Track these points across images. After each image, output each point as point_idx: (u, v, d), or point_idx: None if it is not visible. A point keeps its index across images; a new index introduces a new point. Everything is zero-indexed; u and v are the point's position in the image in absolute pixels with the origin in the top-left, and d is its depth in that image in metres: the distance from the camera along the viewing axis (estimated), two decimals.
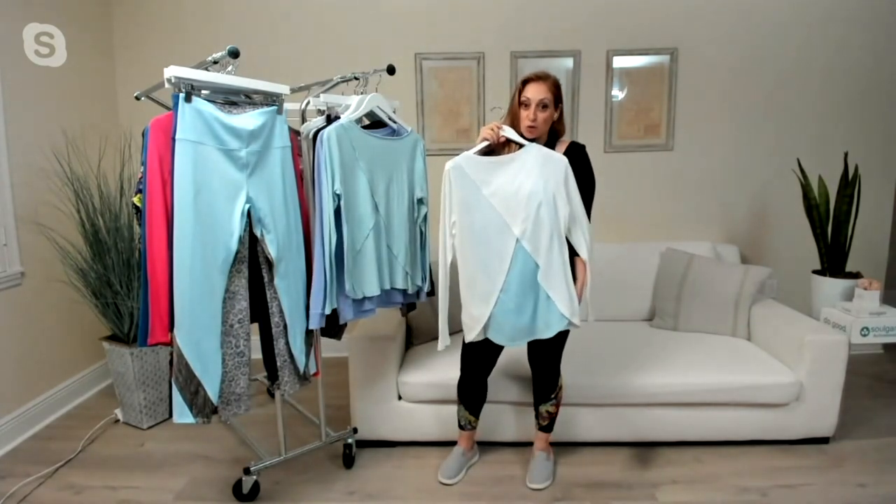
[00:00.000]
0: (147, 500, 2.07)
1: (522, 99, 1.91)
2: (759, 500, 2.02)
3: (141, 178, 1.76)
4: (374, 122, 2.11)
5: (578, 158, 1.94)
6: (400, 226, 2.08)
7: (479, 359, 2.07)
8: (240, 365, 1.82)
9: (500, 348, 2.07)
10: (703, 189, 3.30)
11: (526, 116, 1.90)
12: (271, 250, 1.83)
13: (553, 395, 2.09)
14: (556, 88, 1.92)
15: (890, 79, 3.19)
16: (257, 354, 1.99)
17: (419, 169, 2.15)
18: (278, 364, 1.92)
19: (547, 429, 2.16)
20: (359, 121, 2.01)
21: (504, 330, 1.86)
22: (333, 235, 1.86)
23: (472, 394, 2.13)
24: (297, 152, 1.98)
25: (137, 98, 2.14)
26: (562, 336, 2.01)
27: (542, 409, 2.11)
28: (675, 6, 3.13)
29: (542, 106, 1.88)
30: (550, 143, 1.98)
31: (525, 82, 1.92)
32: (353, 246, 1.93)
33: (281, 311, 1.89)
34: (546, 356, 2.04)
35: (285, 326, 1.90)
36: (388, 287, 2.07)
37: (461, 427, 2.19)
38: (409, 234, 2.11)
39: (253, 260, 1.85)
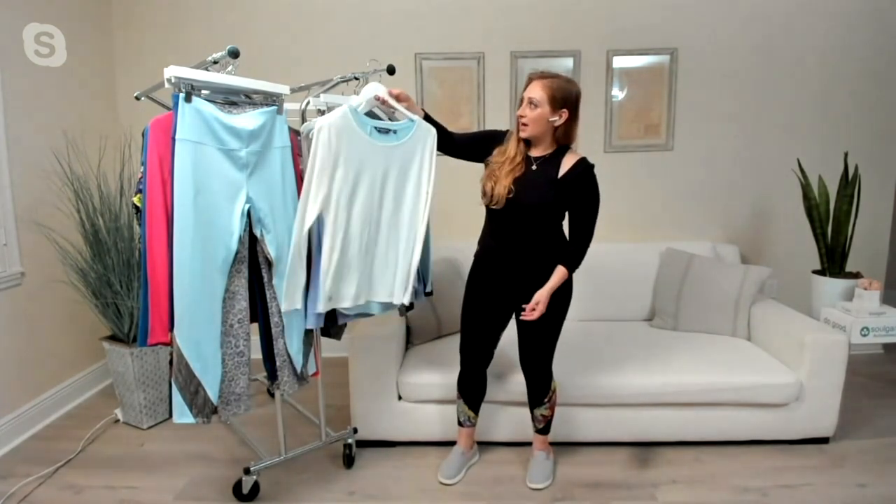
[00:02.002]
0: (147, 499, 2.07)
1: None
2: (759, 500, 2.02)
3: (141, 177, 1.76)
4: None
5: (584, 179, 1.87)
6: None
7: (477, 350, 2.09)
8: (239, 365, 1.82)
9: (496, 338, 2.11)
10: (703, 189, 3.30)
11: (519, 112, 1.90)
12: (271, 250, 1.83)
13: (546, 400, 2.09)
14: (553, 90, 1.82)
15: (890, 79, 3.19)
16: (257, 354, 1.99)
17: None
18: (278, 364, 1.92)
19: (543, 431, 2.16)
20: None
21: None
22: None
23: (471, 387, 2.14)
24: (297, 152, 1.98)
25: (137, 98, 2.14)
26: (550, 338, 2.02)
27: (537, 412, 2.12)
28: (675, 6, 3.13)
29: (532, 105, 1.85)
30: (558, 153, 1.91)
31: (528, 80, 1.90)
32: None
33: (280, 311, 1.89)
34: (535, 359, 2.04)
35: (284, 326, 1.90)
36: None
37: (460, 424, 2.20)
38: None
39: (252, 260, 1.85)
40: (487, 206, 2.00)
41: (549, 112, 1.84)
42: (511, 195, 1.90)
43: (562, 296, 1.98)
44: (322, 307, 1.85)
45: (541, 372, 2.06)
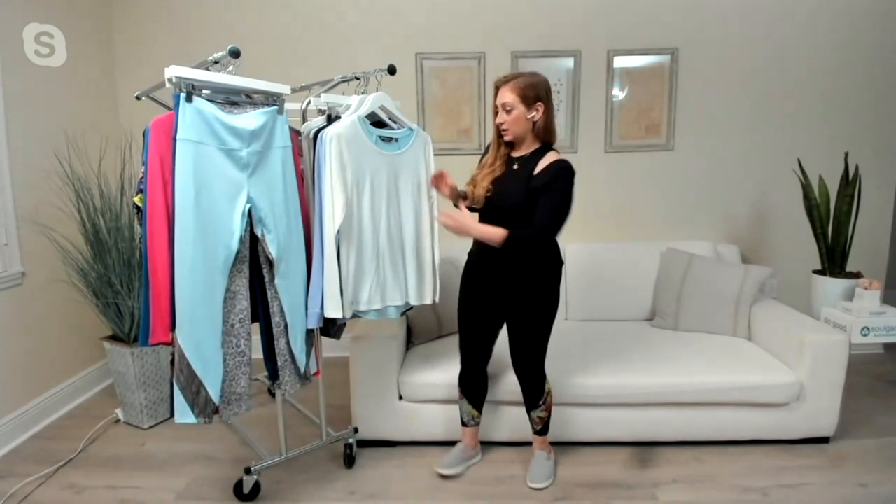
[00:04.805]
0: (148, 499, 2.07)
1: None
2: (760, 500, 2.02)
3: (142, 177, 1.76)
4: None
5: (555, 175, 1.82)
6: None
7: (475, 347, 2.10)
8: (240, 364, 1.82)
9: (493, 336, 2.11)
10: (703, 189, 3.30)
11: (497, 120, 1.91)
12: (272, 250, 1.83)
13: (541, 402, 2.09)
14: (522, 89, 1.83)
15: (890, 79, 3.19)
16: (258, 354, 2.00)
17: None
18: (279, 364, 1.92)
19: (541, 432, 2.16)
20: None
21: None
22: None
23: (473, 385, 2.15)
24: (297, 152, 1.99)
25: (138, 98, 2.14)
26: (538, 341, 2.01)
27: (533, 415, 2.12)
28: (675, 6, 3.13)
29: (507, 110, 1.86)
30: (539, 153, 1.90)
31: (494, 89, 1.91)
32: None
33: (282, 311, 1.89)
34: (525, 362, 2.03)
35: (286, 326, 1.91)
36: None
37: (464, 424, 2.21)
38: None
39: (253, 259, 1.85)
40: (470, 208, 2.00)
41: (526, 110, 1.86)
42: (489, 194, 1.93)
43: (546, 298, 1.98)
44: (345, 312, 1.91)
45: (532, 375, 2.05)
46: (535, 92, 1.85)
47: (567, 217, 1.85)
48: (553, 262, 1.98)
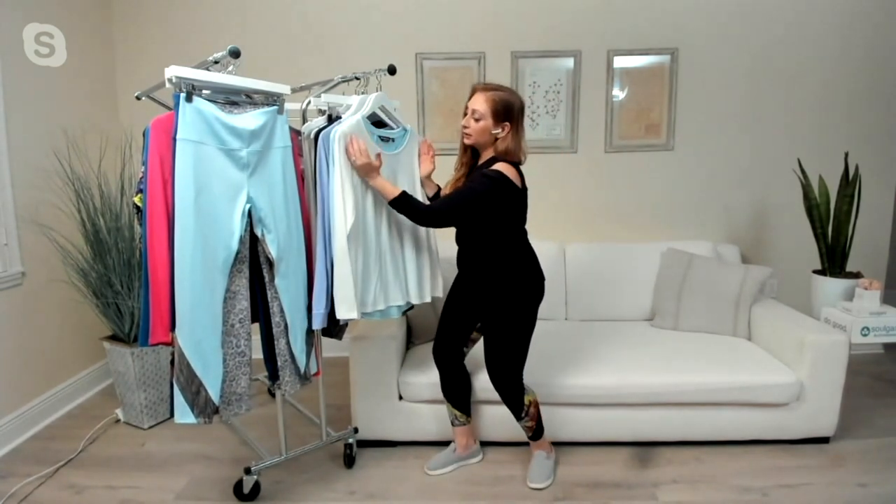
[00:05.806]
0: (148, 499, 2.07)
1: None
2: (760, 500, 2.02)
3: (142, 177, 1.76)
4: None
5: (473, 177, 1.87)
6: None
7: (442, 345, 2.14)
8: (241, 365, 1.82)
9: (461, 338, 2.13)
10: (703, 189, 3.30)
11: (463, 122, 1.92)
12: (272, 250, 1.83)
13: (523, 415, 2.06)
14: (496, 102, 1.83)
15: (890, 79, 3.19)
16: (258, 354, 2.00)
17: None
18: (279, 364, 1.92)
19: (534, 438, 2.15)
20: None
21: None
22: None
23: (452, 387, 2.16)
24: (297, 152, 1.99)
25: (138, 98, 2.14)
26: (509, 353, 1.98)
27: (521, 424, 2.11)
28: (675, 6, 3.13)
29: (475, 118, 1.86)
30: (490, 163, 1.89)
31: (472, 91, 1.91)
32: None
33: (282, 311, 1.89)
34: (497, 373, 2.01)
35: (286, 326, 1.91)
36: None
37: (451, 423, 2.22)
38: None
39: (253, 260, 1.85)
40: None
41: (492, 125, 1.86)
42: None
43: (521, 315, 1.96)
44: (356, 313, 1.88)
45: (506, 387, 2.02)
46: (507, 111, 1.85)
47: (463, 213, 1.83)
48: (532, 280, 1.97)
